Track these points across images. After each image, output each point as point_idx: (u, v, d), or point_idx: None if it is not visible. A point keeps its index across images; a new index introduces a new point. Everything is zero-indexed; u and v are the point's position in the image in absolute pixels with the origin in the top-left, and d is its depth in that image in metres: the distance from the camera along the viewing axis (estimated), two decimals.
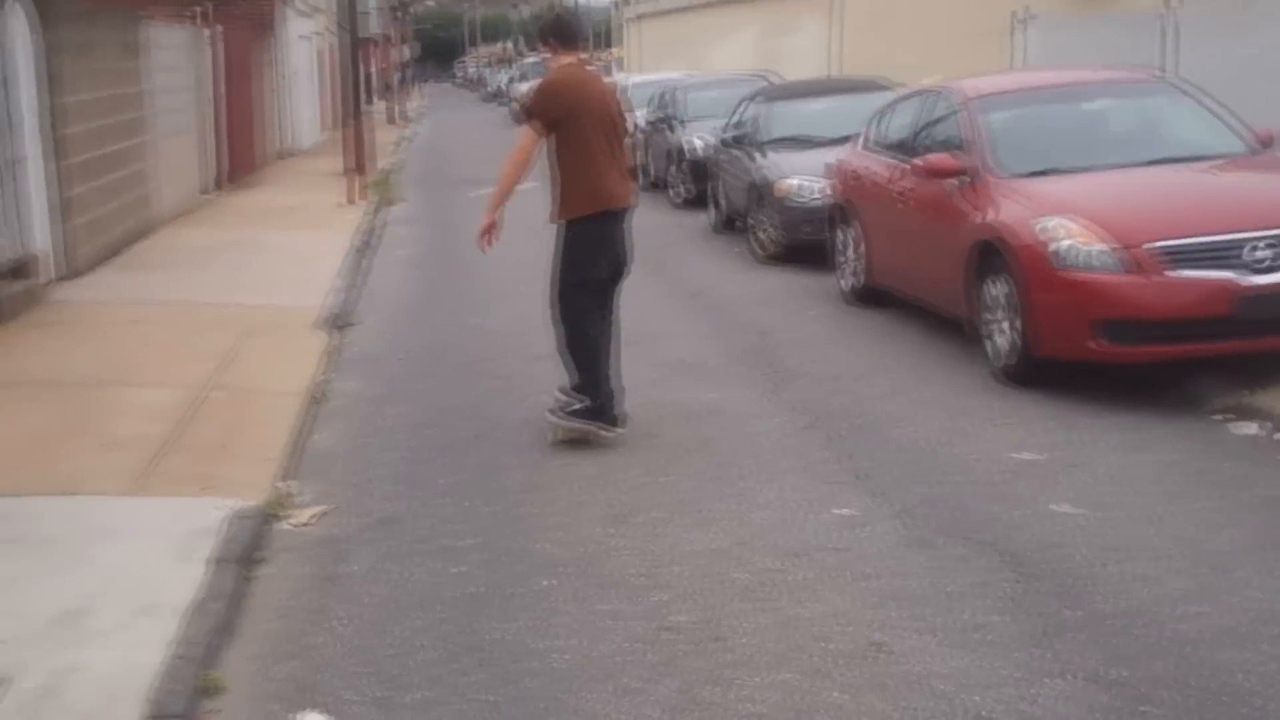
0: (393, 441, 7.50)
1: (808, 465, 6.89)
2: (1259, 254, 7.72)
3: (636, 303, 11.55)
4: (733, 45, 32.51)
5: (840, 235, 11.68)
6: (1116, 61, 13.55)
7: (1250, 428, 7.22)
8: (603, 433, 7.36)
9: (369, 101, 32.34)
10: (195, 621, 4.81)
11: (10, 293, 10.20)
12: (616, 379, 7.60)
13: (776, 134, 14.93)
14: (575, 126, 7.12)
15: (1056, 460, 6.89)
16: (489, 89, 69.71)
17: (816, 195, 13.05)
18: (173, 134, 17.10)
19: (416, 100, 64.01)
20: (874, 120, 11.65)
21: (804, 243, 13.26)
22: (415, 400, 8.40)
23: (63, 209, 11.95)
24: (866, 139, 11.56)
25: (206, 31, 19.95)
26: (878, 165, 10.98)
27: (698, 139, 18.55)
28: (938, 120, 10.20)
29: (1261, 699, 4.27)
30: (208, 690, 4.41)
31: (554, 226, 7.43)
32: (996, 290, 8.51)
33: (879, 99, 13.18)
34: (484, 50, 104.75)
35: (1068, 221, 8.12)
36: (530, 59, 57.19)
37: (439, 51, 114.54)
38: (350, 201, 19.04)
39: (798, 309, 11.31)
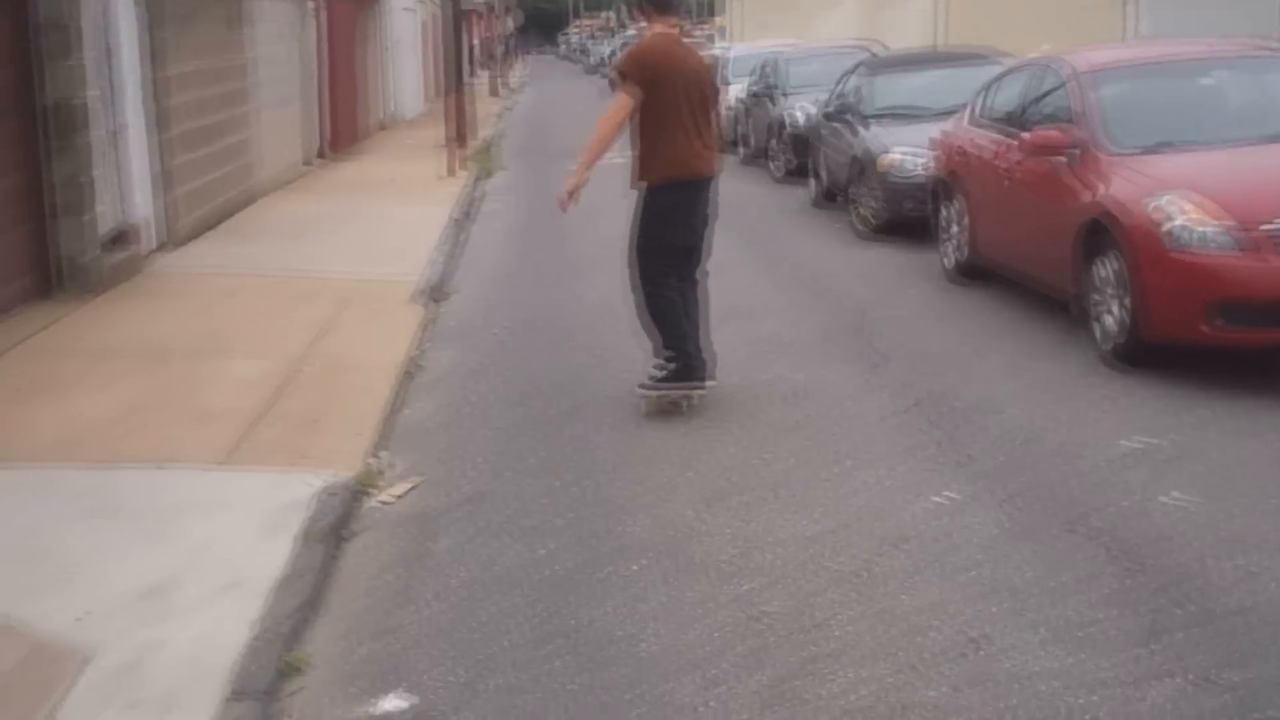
0: (485, 416, 7.43)
1: (907, 448, 6.71)
2: None
3: (733, 278, 11.42)
4: (837, 16, 32.13)
5: (944, 211, 11.42)
6: (1231, 33, 13.14)
7: None
8: (694, 392, 7.38)
9: (471, 73, 32.43)
10: (280, 598, 4.76)
11: (111, 262, 10.28)
12: (707, 348, 7.58)
13: (880, 106, 14.66)
14: (660, 93, 7.15)
15: (1166, 447, 6.64)
16: (591, 61, 69.62)
17: (919, 169, 12.79)
18: (275, 104, 17.19)
19: (519, 71, 64.12)
20: (981, 93, 11.36)
21: (906, 218, 13.00)
22: (509, 374, 8.33)
23: (164, 179, 12.04)
24: (973, 112, 11.28)
25: (311, 2, 20.03)
26: (984, 139, 10.70)
27: (799, 111, 18.30)
28: (1047, 94, 9.91)
29: None
30: (290, 670, 4.36)
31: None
32: (1106, 270, 8.24)
33: (986, 71, 12.88)
34: (587, 21, 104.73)
35: (1181, 199, 7.83)
36: (632, 30, 57.02)
37: (543, 22, 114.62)
38: (450, 173, 19.04)
39: (899, 285, 11.08)
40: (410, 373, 8.20)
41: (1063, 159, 8.99)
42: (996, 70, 12.30)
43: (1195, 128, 8.86)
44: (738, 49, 28.35)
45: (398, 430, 7.12)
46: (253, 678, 4.19)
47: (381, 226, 14.00)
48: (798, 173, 18.13)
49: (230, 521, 5.51)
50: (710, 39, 42.14)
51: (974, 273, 10.79)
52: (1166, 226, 7.74)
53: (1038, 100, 10.02)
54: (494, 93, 43.91)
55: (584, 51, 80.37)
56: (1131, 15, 18.26)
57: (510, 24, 71.39)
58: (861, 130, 14.30)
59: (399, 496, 6.07)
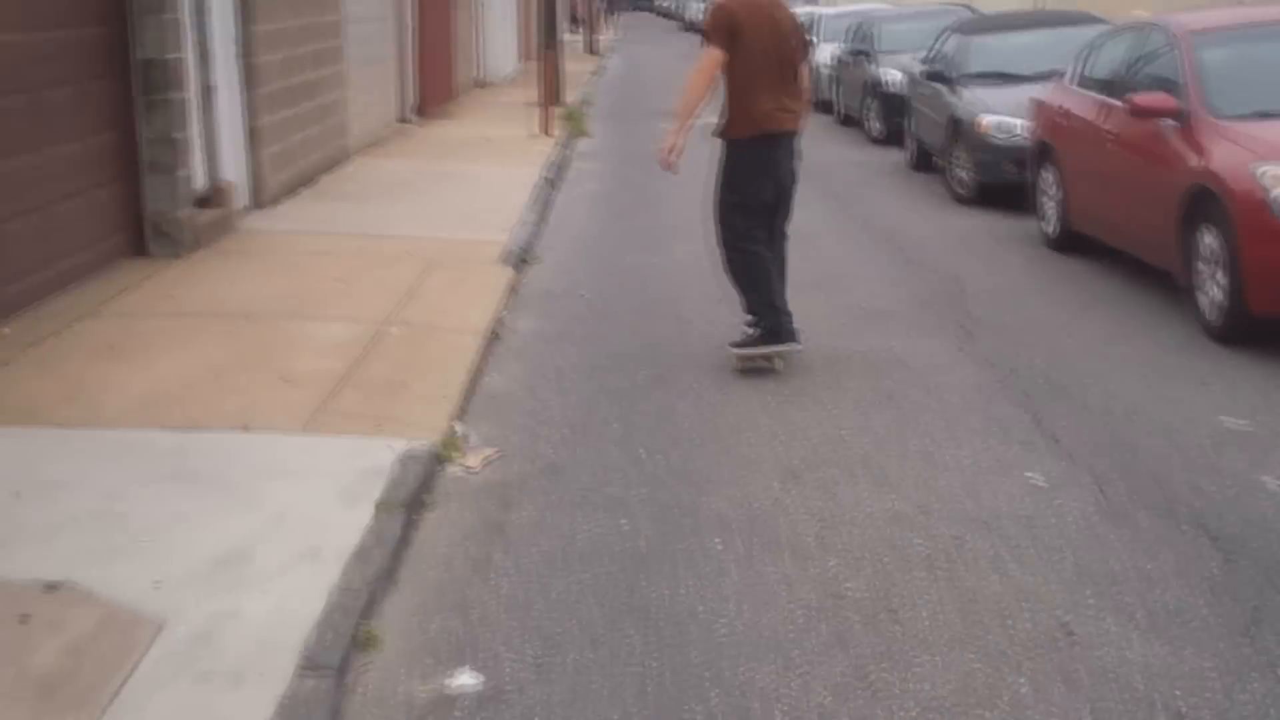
0: (567, 384, 7.34)
1: (998, 425, 6.53)
2: None
3: (822, 243, 11.27)
4: None
5: (1042, 177, 11.14)
6: None
7: None
8: (783, 350, 7.45)
9: (569, 30, 32.25)
10: (356, 569, 4.71)
11: (201, 221, 10.30)
12: (784, 305, 7.57)
13: (976, 69, 14.36)
14: (742, 48, 7.21)
15: (1268, 429, 6.43)
16: (687, 18, 69.13)
17: (1017, 133, 12.53)
18: (367, 63, 17.15)
19: (614, 30, 63.84)
20: (1081, 56, 11.06)
21: (1002, 184, 12.75)
22: (592, 341, 8.23)
23: (254, 138, 12.05)
24: (1073, 75, 10.99)
25: None
26: (1084, 103, 10.42)
27: (893, 72, 18.02)
28: (1150, 57, 9.62)
29: None
30: (363, 643, 4.31)
31: None
32: (1210, 240, 7.98)
33: (1087, 33, 12.54)
34: None
35: None
36: None
37: None
38: (543, 133, 18.95)
39: (993, 254, 10.84)
40: (494, 338, 8.13)
41: (1167, 124, 8.72)
42: (1095, 33, 11.97)
43: None
44: (830, 10, 27.98)
45: (479, 397, 7.05)
46: (325, 651, 4.14)
47: (470, 188, 13.94)
48: (891, 136, 17.88)
49: (309, 488, 5.47)
50: None
51: (1073, 240, 10.54)
52: (1273, 195, 7.47)
53: (1141, 63, 9.74)
54: (590, 52, 43.70)
55: (680, 8, 79.87)
56: None
57: None
58: (959, 92, 14.01)
59: (479, 465, 6.00)
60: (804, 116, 7.73)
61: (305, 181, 13.60)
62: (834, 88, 22.04)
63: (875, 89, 18.83)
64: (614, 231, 12.30)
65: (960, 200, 13.46)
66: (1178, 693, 4.02)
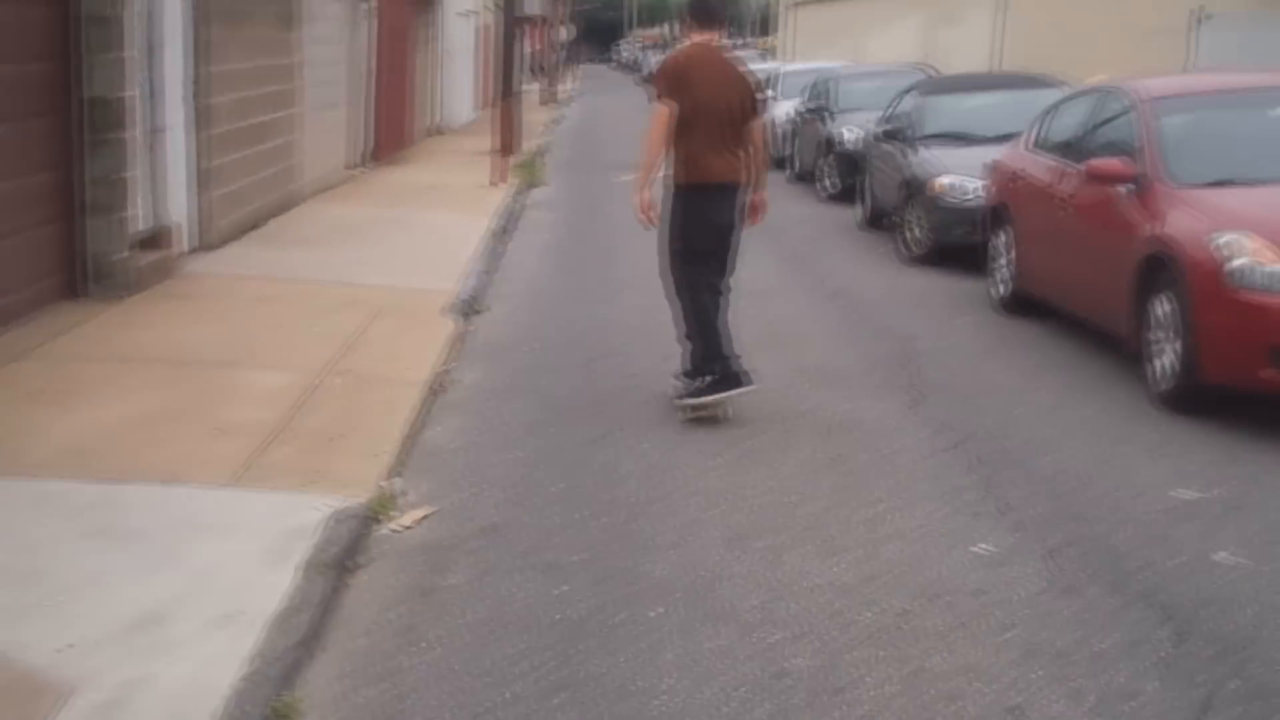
0: (509, 440, 7.16)
1: (947, 492, 6.40)
2: None
3: (774, 301, 11.17)
4: (892, 36, 31.79)
5: (995, 238, 11.09)
6: None
7: None
8: (738, 394, 7.49)
9: (524, 82, 32.27)
10: (278, 635, 4.50)
11: (142, 264, 10.09)
12: (731, 351, 7.60)
13: (932, 129, 14.35)
14: (687, 100, 7.35)
15: (1219, 500, 6.32)
16: (644, 72, 69.55)
17: (971, 195, 12.49)
18: (322, 107, 17.02)
19: (572, 81, 64.03)
20: (1039, 119, 11.04)
21: (955, 244, 12.71)
22: (538, 395, 8.07)
23: (202, 180, 11.86)
24: (1031, 138, 10.95)
25: (365, 4, 19.86)
26: (1041, 167, 10.38)
27: (849, 131, 18.02)
28: (1108, 122, 9.58)
29: None
30: (281, 715, 4.09)
31: None
32: (1163, 308, 7.91)
33: (1044, 96, 12.56)
34: (643, 32, 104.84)
35: (1245, 238, 7.50)
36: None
37: (599, 33, 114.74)
38: (495, 183, 18.84)
39: (946, 315, 10.77)
40: (436, 391, 7.95)
41: (1123, 190, 8.67)
42: (1054, 96, 11.98)
43: (1264, 163, 8.50)
44: (789, 67, 28.09)
45: (417, 452, 6.86)
46: None
47: (421, 236, 13.78)
48: (845, 194, 17.86)
49: (234, 546, 5.26)
50: (762, 55, 41.82)
51: (1024, 304, 10.48)
52: (1229, 265, 7.42)
53: (1099, 128, 9.71)
54: (545, 102, 43.77)
55: (637, 63, 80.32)
56: (1195, 42, 17.83)
57: (565, 33, 71.31)
58: (912, 153, 13.99)
59: (412, 525, 5.81)
60: (758, 171, 7.77)
61: (254, 225, 13.42)
62: (791, 144, 22.06)
63: (832, 146, 18.83)
64: (564, 282, 12.16)
65: (914, 260, 13.40)
66: None
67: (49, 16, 9.31)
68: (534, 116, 33.35)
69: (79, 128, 9.62)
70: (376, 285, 10.74)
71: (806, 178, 20.61)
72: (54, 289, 9.37)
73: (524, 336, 9.70)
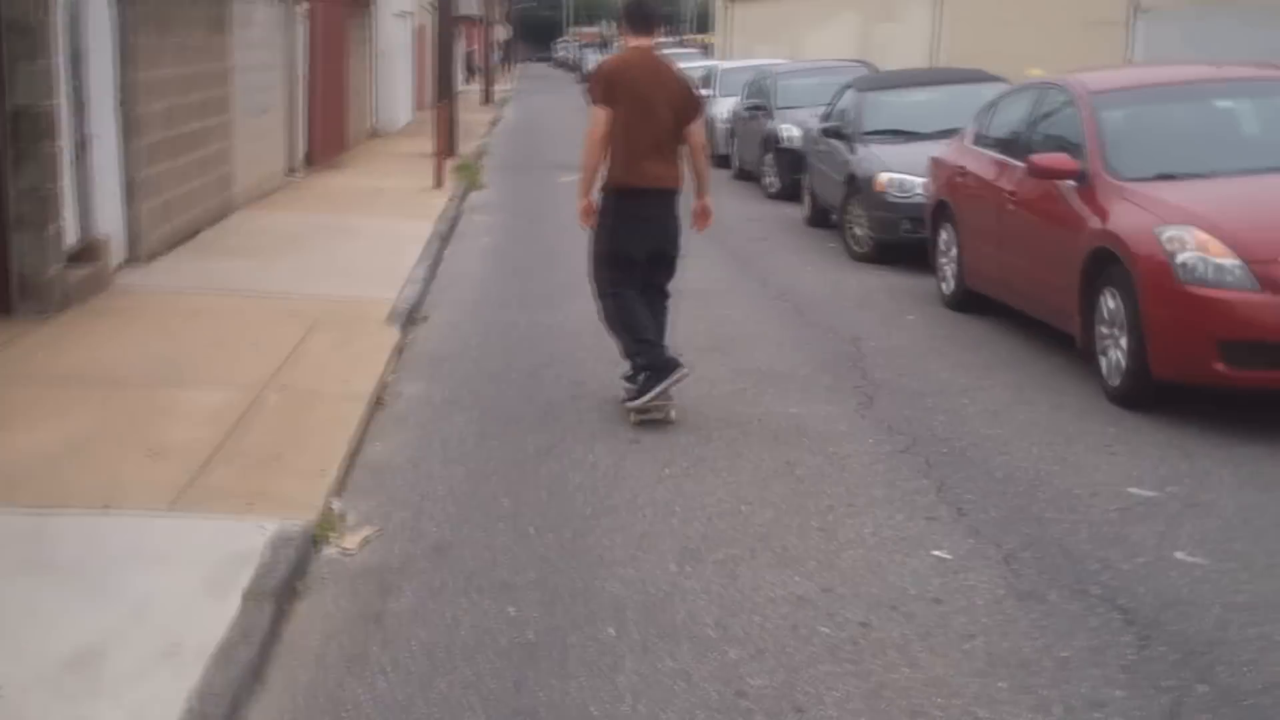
0: (455, 453, 7.01)
1: (902, 496, 6.31)
2: None
3: (719, 302, 11.07)
4: (830, 32, 31.80)
5: (940, 236, 11.04)
6: (1236, 55, 12.82)
7: None
8: (671, 383, 7.40)
9: (464, 81, 32.02)
10: (219, 669, 4.33)
11: (73, 279, 9.84)
12: (658, 339, 7.66)
13: (874, 126, 14.30)
14: (621, 104, 7.39)
15: (1176, 497, 6.27)
16: (584, 70, 69.37)
17: (915, 191, 12.44)
18: (255, 113, 16.75)
19: (511, 81, 63.75)
20: (981, 114, 10.99)
21: (900, 242, 12.67)
22: (483, 406, 7.91)
23: (132, 191, 11.60)
24: (971, 134, 10.91)
25: (298, 7, 19.59)
26: (983, 163, 10.34)
27: (791, 128, 17.96)
28: (1051, 117, 9.55)
29: None
30: None
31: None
32: (1112, 303, 7.87)
33: (985, 91, 12.55)
34: (582, 30, 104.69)
35: (1192, 231, 7.46)
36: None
37: (537, 31, 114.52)
38: (435, 186, 18.63)
39: (893, 313, 10.70)
40: (379, 404, 7.78)
41: (1067, 185, 8.62)
42: (995, 90, 11.96)
43: (1208, 156, 8.49)
44: (728, 64, 28.03)
45: (360, 469, 6.69)
46: None
47: (360, 242, 13.57)
48: (788, 192, 17.81)
49: (172, 576, 5.08)
50: (700, 54, 41.77)
51: (970, 300, 10.43)
52: (1179, 258, 7.37)
53: (1041, 123, 9.66)
54: (485, 102, 43.51)
55: (576, 61, 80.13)
56: (1133, 36, 17.88)
57: (502, 33, 71.01)
58: (856, 149, 13.93)
59: (357, 546, 5.65)
60: (701, 176, 7.86)
61: (187, 235, 13.17)
62: (731, 142, 21.99)
63: (773, 144, 18.77)
64: (507, 288, 11.99)
65: (858, 258, 13.35)
66: None
67: None
68: (473, 117, 33.12)
69: (3, 140, 9.35)
70: (315, 295, 10.55)
71: (748, 176, 20.56)
72: None
73: (467, 345, 9.54)
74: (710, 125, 23.33)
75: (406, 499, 6.29)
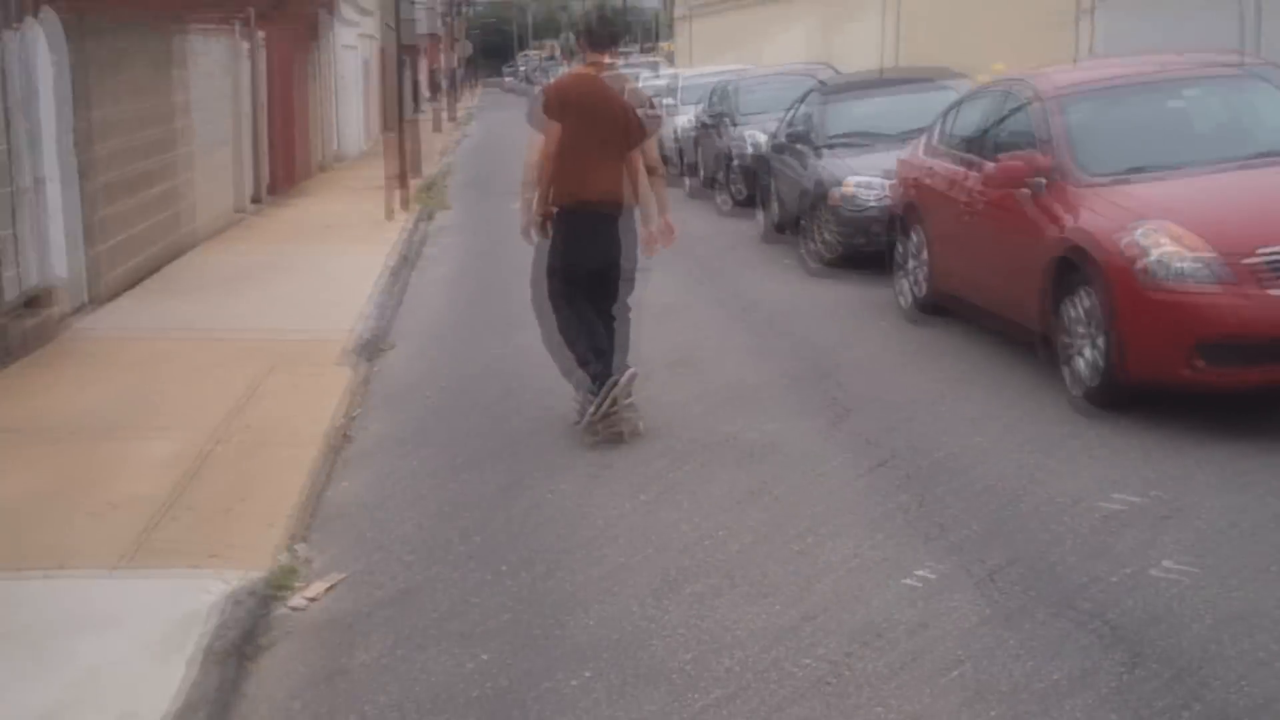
0: (418, 492, 6.82)
1: (878, 516, 6.14)
2: None
3: (686, 316, 10.91)
4: (789, 39, 31.67)
5: (901, 244, 10.90)
6: (1193, 44, 12.72)
7: None
8: (618, 387, 7.39)
9: (418, 108, 31.85)
10: None
11: (24, 327, 9.62)
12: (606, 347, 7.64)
13: (837, 131, 14.13)
14: (568, 124, 7.50)
15: (1155, 504, 6.12)
16: (538, 90, 69.24)
17: (874, 201, 12.28)
18: (210, 148, 16.53)
19: (467, 102, 63.56)
20: (942, 117, 10.85)
21: (862, 251, 12.51)
22: (446, 441, 7.72)
23: (87, 232, 11.37)
24: (931, 139, 10.77)
25: (247, 41, 19.38)
26: (948, 165, 10.19)
27: (749, 139, 17.79)
28: (1011, 118, 9.40)
29: None
30: None
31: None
32: (1078, 308, 7.73)
33: (943, 94, 12.43)
34: (542, 44, 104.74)
35: (1160, 229, 7.32)
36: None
37: (495, 50, 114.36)
38: (392, 214, 18.40)
39: (860, 324, 10.55)
40: (337, 445, 7.58)
41: (1036, 184, 8.48)
42: (954, 93, 11.83)
43: (1169, 152, 8.37)
44: (686, 75, 27.90)
45: (322, 513, 6.50)
46: None
47: (317, 276, 13.36)
48: (750, 202, 17.66)
49: (126, 638, 4.88)
50: (656, 65, 41.63)
51: (934, 309, 10.29)
52: (1144, 261, 7.24)
53: (1003, 124, 9.52)
54: (441, 125, 43.27)
55: (532, 80, 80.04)
56: (1085, 32, 17.81)
57: (460, 52, 70.78)
58: (814, 159, 13.77)
59: (317, 597, 5.45)
60: (658, 195, 7.87)
61: (146, 274, 12.95)
62: (695, 152, 21.84)
63: (737, 153, 18.60)
64: (470, 317, 11.80)
65: (824, 265, 13.19)
66: None
67: None
68: (431, 141, 32.89)
69: None
70: (274, 332, 10.34)
71: (713, 185, 20.40)
72: None
73: (428, 378, 9.34)
74: (672, 136, 23.22)
75: (370, 542, 6.10)
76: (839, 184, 12.90)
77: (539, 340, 8.11)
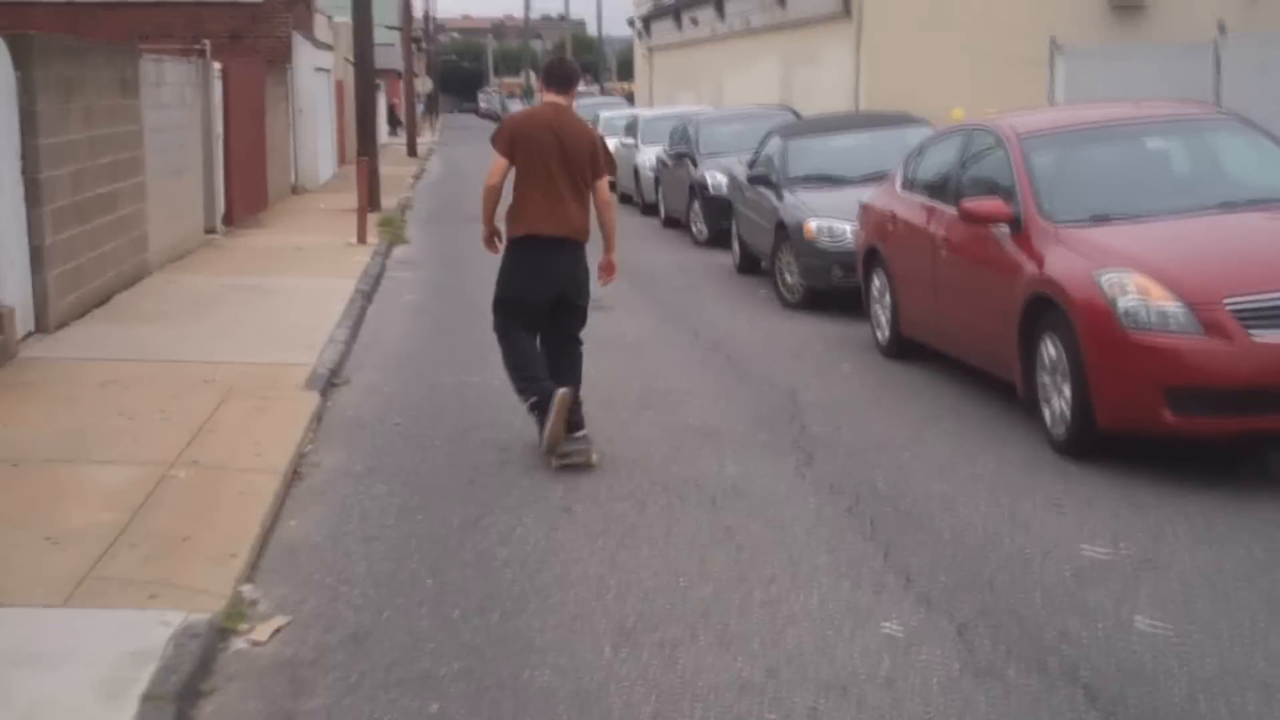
0: (375, 529, 6.63)
1: (846, 564, 6.01)
2: None
3: (650, 354, 10.78)
4: (751, 77, 31.73)
5: (872, 282, 10.82)
6: (1155, 92, 12.78)
7: None
8: (557, 402, 7.42)
9: (388, 134, 31.63)
10: None
11: None
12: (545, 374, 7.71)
13: (800, 172, 14.12)
14: (522, 157, 7.73)
15: (1129, 556, 6.03)
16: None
17: (845, 238, 12.24)
18: (170, 174, 16.28)
19: (435, 133, 63.44)
20: (907, 159, 10.80)
21: (832, 288, 12.46)
22: (404, 477, 7.54)
23: (38, 259, 11.12)
24: (899, 179, 10.71)
25: (211, 66, 19.17)
26: (912, 208, 10.13)
27: (717, 175, 17.76)
28: (980, 160, 9.36)
29: None
30: None
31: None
32: (1052, 351, 7.65)
33: (911, 134, 12.42)
34: (505, 81, 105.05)
35: (1132, 276, 7.26)
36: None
37: (460, 83, 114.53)
38: (357, 242, 18.22)
39: (829, 363, 10.45)
40: (296, 477, 7.39)
41: (1001, 230, 8.42)
42: (921, 133, 11.80)
43: (1142, 197, 8.32)
44: (650, 112, 27.89)
45: (274, 550, 6.30)
46: None
47: (278, 304, 13.15)
48: (716, 239, 17.61)
49: (66, 679, 4.68)
50: (625, 102, 41.68)
51: (906, 347, 10.21)
52: (1120, 305, 7.16)
53: (971, 166, 9.46)
54: (408, 154, 43.11)
55: (503, 110, 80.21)
56: (1053, 76, 17.88)
57: (424, 85, 70.75)
58: (783, 197, 13.71)
59: (267, 638, 5.26)
60: (608, 232, 8.01)
61: (100, 301, 12.69)
62: (658, 190, 21.79)
63: (699, 191, 18.57)
64: (431, 347, 11.63)
65: (789, 305, 13.12)
66: None
67: None
68: (395, 170, 32.71)
69: None
70: (231, 361, 10.13)
71: (676, 224, 20.34)
72: None
73: (389, 410, 9.16)
74: (637, 174, 23.17)
75: (323, 582, 5.91)
76: (803, 224, 12.85)
77: (500, 373, 7.98)
